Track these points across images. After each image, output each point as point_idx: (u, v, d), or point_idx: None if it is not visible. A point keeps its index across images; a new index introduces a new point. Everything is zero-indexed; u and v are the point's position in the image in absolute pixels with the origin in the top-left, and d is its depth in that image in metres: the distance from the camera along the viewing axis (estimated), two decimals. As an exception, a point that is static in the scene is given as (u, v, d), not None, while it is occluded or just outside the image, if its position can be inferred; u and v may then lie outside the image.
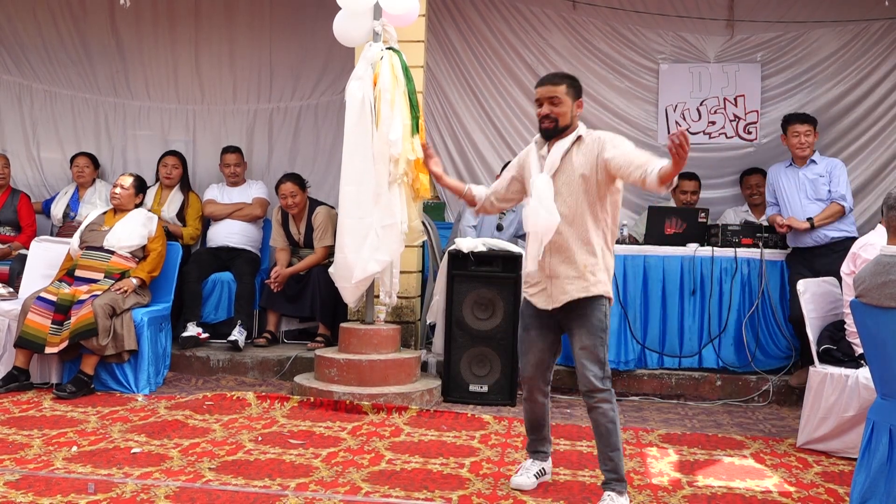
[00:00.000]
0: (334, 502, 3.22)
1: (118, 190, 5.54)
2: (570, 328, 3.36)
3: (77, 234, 5.54)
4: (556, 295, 3.34)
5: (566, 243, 3.32)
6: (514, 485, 3.51)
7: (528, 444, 3.67)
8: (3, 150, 7.01)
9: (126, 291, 5.21)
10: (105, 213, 5.64)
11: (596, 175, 3.29)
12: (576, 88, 3.40)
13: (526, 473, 3.55)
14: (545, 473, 3.61)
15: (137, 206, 5.64)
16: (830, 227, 5.38)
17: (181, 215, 6.44)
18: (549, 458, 3.66)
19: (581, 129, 3.40)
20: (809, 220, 5.39)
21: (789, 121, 5.60)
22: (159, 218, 5.80)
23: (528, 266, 3.43)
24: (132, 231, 5.43)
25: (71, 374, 5.09)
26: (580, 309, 3.32)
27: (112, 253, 5.34)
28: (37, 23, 7.17)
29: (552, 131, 3.38)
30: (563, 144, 3.36)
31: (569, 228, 3.31)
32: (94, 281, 5.24)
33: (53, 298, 5.05)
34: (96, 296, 5.06)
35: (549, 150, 3.40)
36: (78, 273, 5.29)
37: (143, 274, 5.38)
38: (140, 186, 5.68)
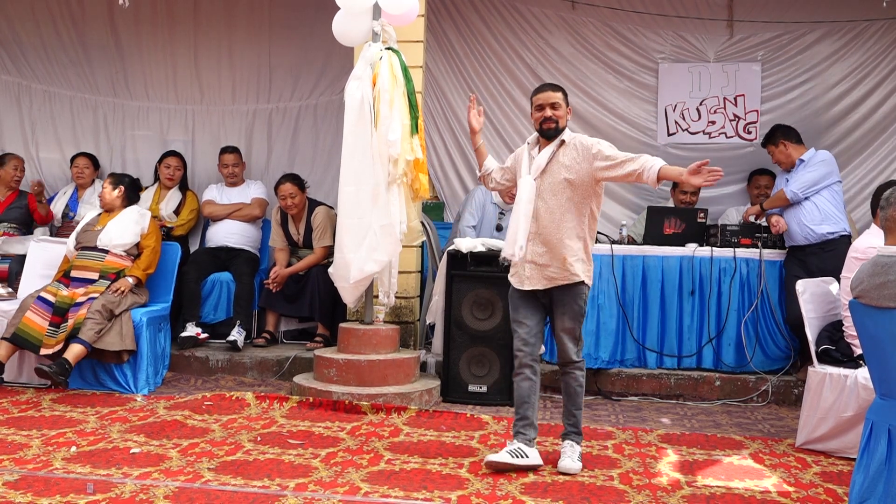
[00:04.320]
0: (333, 502, 3.22)
1: (103, 192, 5.56)
2: (553, 312, 3.80)
3: (73, 235, 5.54)
4: (536, 280, 3.74)
5: (550, 237, 3.71)
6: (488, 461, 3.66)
7: (514, 425, 3.81)
8: (2, 150, 7.00)
9: (123, 291, 5.21)
10: (100, 213, 5.64)
11: (583, 180, 3.70)
12: (567, 98, 3.84)
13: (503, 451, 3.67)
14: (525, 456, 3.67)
15: (129, 203, 5.62)
16: (820, 224, 5.33)
17: (177, 213, 6.45)
18: (534, 445, 3.74)
19: (566, 133, 3.79)
20: (760, 204, 5.66)
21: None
22: (156, 216, 5.79)
23: (505, 250, 3.78)
24: (125, 229, 5.42)
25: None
26: (563, 296, 3.74)
27: (106, 252, 5.34)
28: (35, 23, 7.16)
29: (554, 132, 3.76)
30: (548, 149, 3.76)
31: (552, 223, 3.71)
32: (90, 281, 5.24)
33: (52, 300, 5.05)
34: (94, 298, 5.06)
35: (539, 152, 3.79)
36: (73, 273, 5.29)
37: (139, 272, 5.38)
38: (132, 187, 5.66)
